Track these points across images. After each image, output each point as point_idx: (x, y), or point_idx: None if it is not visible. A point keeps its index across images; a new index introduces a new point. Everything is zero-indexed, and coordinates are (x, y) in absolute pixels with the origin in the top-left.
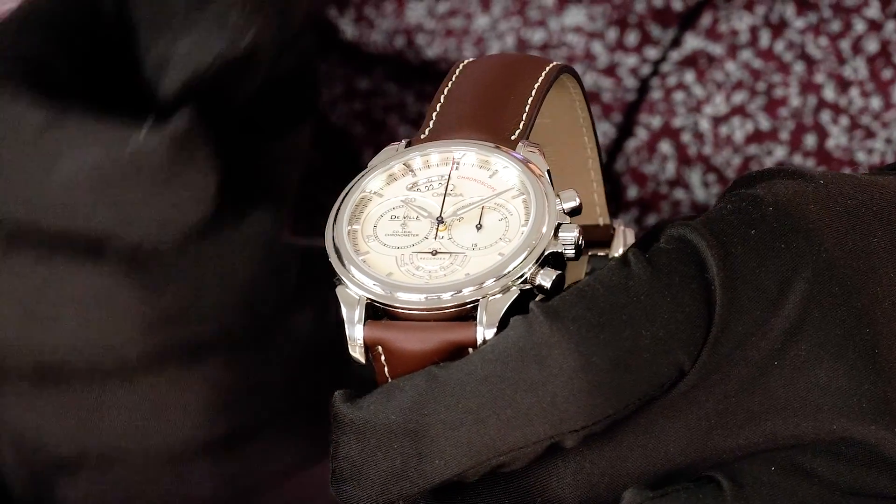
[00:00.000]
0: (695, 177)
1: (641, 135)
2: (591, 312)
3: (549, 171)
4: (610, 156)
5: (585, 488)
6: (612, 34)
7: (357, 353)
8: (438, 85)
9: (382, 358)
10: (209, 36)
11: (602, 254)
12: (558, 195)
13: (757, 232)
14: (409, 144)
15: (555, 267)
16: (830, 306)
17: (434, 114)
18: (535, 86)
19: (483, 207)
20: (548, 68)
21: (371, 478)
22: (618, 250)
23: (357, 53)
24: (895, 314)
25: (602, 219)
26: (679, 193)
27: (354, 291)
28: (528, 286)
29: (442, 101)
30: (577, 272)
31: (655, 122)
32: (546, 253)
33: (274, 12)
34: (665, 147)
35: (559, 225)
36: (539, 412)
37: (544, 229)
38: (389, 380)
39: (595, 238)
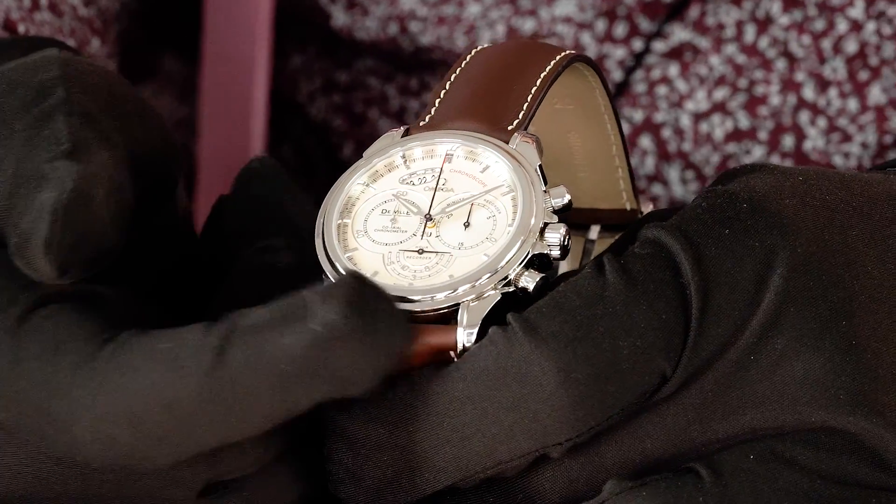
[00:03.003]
0: (673, 173)
1: (623, 128)
2: (569, 326)
3: (540, 167)
4: None
5: (565, 483)
6: (601, 25)
7: None
8: (426, 74)
9: None
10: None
11: None
12: (548, 191)
13: (731, 231)
14: (406, 132)
15: (540, 267)
16: (806, 301)
17: (437, 100)
18: (542, 75)
19: (472, 204)
20: (558, 57)
21: (365, 483)
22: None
23: (339, 46)
24: (872, 307)
25: (629, 203)
26: (657, 189)
27: None
28: (511, 289)
29: (447, 87)
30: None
31: (637, 117)
32: (531, 255)
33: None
34: (645, 142)
35: (546, 225)
36: (523, 428)
37: (530, 230)
38: None
39: (622, 222)
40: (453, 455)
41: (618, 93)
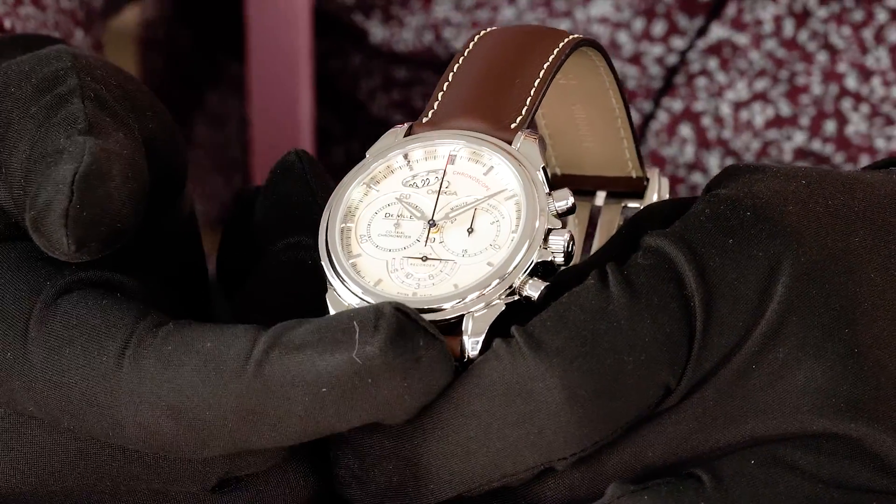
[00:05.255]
0: (713, 160)
1: (662, 118)
2: (574, 342)
3: (544, 168)
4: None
5: (566, 490)
6: (638, 24)
7: None
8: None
9: None
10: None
11: (635, 205)
12: (551, 194)
13: (734, 241)
14: (409, 129)
15: (544, 274)
16: (809, 309)
17: (440, 94)
18: (545, 65)
19: (476, 209)
20: (562, 43)
21: (371, 488)
22: (652, 199)
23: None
24: (875, 314)
25: (634, 171)
26: (697, 177)
27: (344, 300)
28: (515, 297)
29: (450, 79)
30: (611, 225)
31: (676, 106)
32: (535, 263)
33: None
34: (685, 130)
35: (549, 231)
36: (527, 444)
37: (534, 237)
38: None
39: (628, 189)
40: (458, 468)
41: (660, 87)
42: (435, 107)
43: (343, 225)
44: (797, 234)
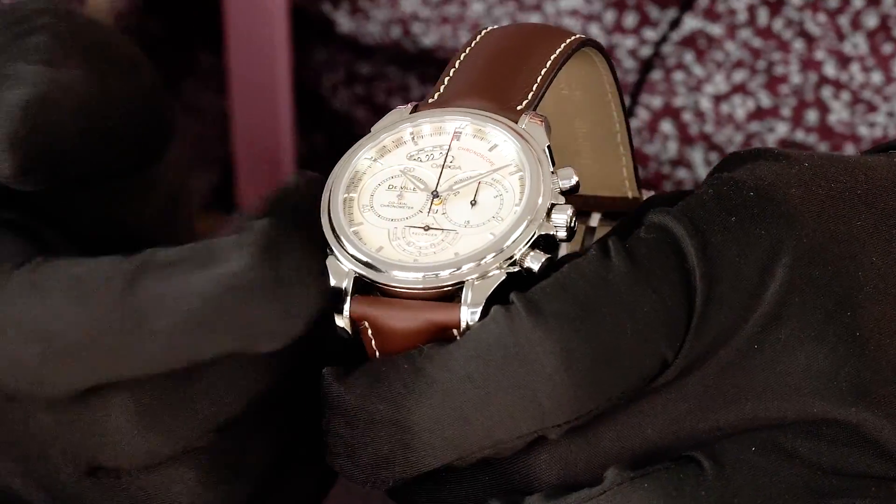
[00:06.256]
0: (697, 156)
1: (642, 115)
2: (573, 307)
3: (549, 147)
4: None
5: (561, 466)
6: (609, 16)
7: (344, 324)
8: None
9: (369, 332)
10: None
11: None
12: (556, 172)
13: (737, 219)
14: (415, 108)
15: (546, 248)
16: (811, 291)
17: (447, 78)
18: (552, 56)
19: (479, 182)
20: (568, 40)
21: (361, 459)
22: None
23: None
24: (877, 297)
25: (631, 192)
26: (681, 173)
27: (345, 265)
28: (516, 268)
29: (457, 66)
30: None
31: (656, 102)
32: (537, 235)
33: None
34: (666, 127)
35: (552, 206)
36: (522, 409)
37: (537, 210)
38: (377, 353)
39: (623, 209)
40: (451, 434)
41: (634, 84)
42: (441, 89)
43: (346, 195)
44: (800, 215)
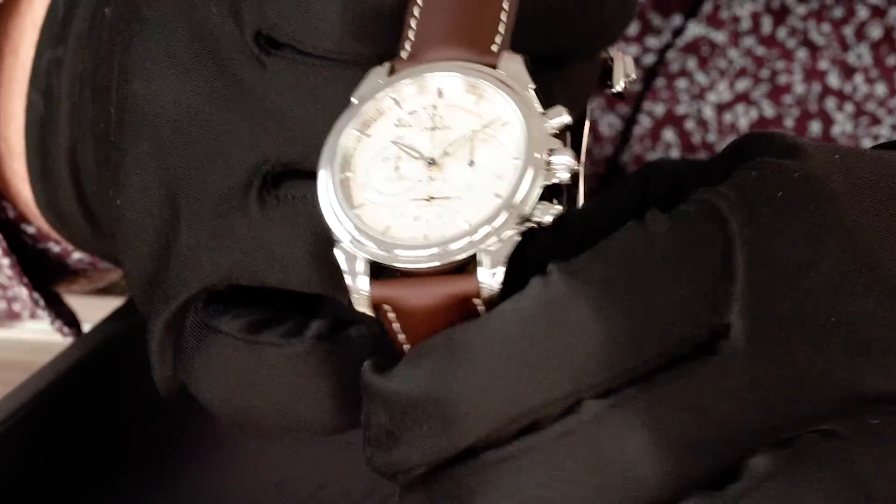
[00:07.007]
0: None
1: (645, 123)
2: (610, 270)
3: (534, 89)
4: (617, 147)
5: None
6: None
7: (365, 307)
8: None
9: (392, 315)
10: None
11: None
12: (545, 114)
13: (784, 194)
14: (391, 68)
15: (553, 196)
16: (866, 271)
17: (411, 29)
18: None
19: (473, 140)
20: None
21: (401, 444)
22: (619, 81)
23: None
24: None
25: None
26: None
27: (354, 252)
28: (529, 225)
29: (417, 14)
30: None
31: (659, 110)
32: (541, 185)
33: None
34: (668, 135)
35: (550, 151)
36: (557, 369)
37: (536, 159)
38: (403, 336)
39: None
40: (487, 401)
41: (637, 93)
42: (411, 38)
43: (342, 175)
44: (844, 201)
